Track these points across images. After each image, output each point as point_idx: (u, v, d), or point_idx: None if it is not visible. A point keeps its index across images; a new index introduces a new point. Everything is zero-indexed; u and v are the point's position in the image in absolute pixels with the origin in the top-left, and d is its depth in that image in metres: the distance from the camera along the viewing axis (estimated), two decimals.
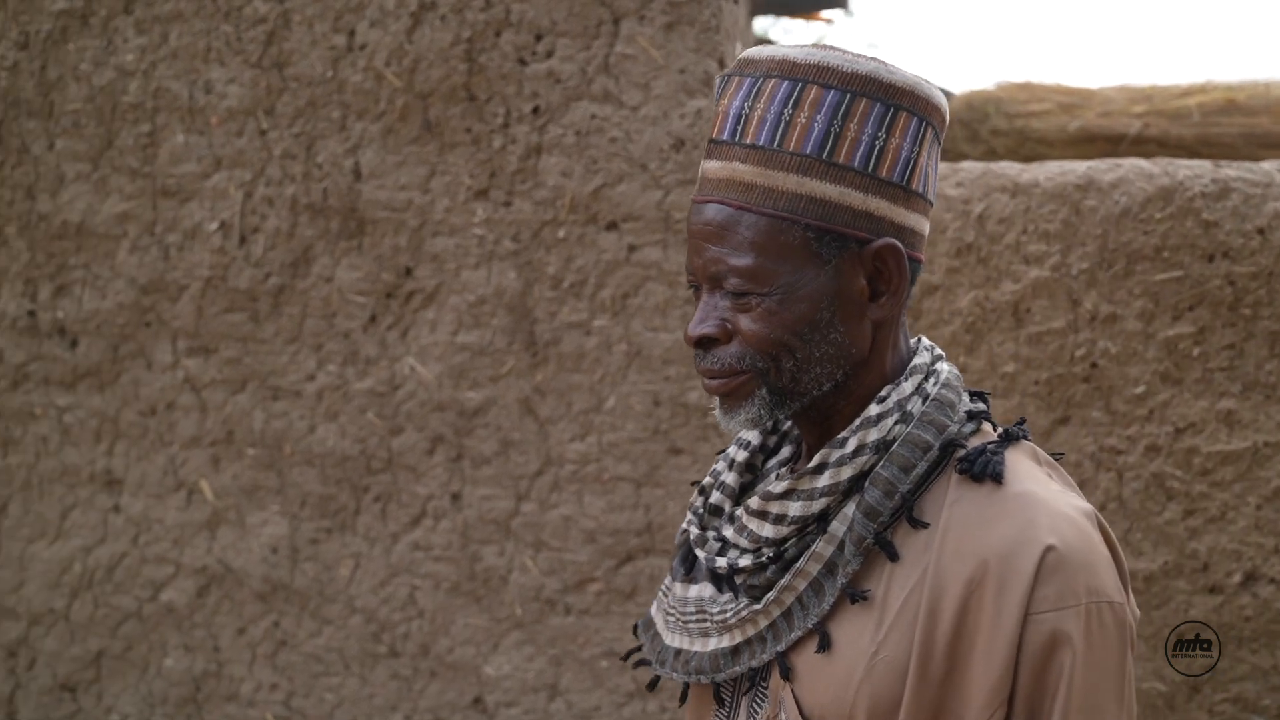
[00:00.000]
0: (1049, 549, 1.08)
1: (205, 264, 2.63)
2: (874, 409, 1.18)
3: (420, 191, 2.51)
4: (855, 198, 1.15)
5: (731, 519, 1.25)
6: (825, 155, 1.14)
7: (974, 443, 1.18)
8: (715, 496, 1.29)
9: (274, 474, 2.67)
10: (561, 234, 2.45)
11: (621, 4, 2.41)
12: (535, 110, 2.44)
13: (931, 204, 1.25)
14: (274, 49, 2.54)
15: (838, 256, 1.15)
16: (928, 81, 1.21)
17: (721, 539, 1.24)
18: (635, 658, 1.33)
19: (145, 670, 2.83)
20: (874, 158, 1.15)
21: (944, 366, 1.24)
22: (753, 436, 1.34)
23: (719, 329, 1.17)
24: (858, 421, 1.18)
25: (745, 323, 1.16)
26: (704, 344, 1.19)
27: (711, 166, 1.20)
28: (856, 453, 1.16)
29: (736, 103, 1.17)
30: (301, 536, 2.67)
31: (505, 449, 2.54)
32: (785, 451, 1.32)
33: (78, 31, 2.67)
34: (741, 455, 1.31)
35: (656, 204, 2.41)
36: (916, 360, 1.23)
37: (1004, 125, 3.75)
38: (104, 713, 2.89)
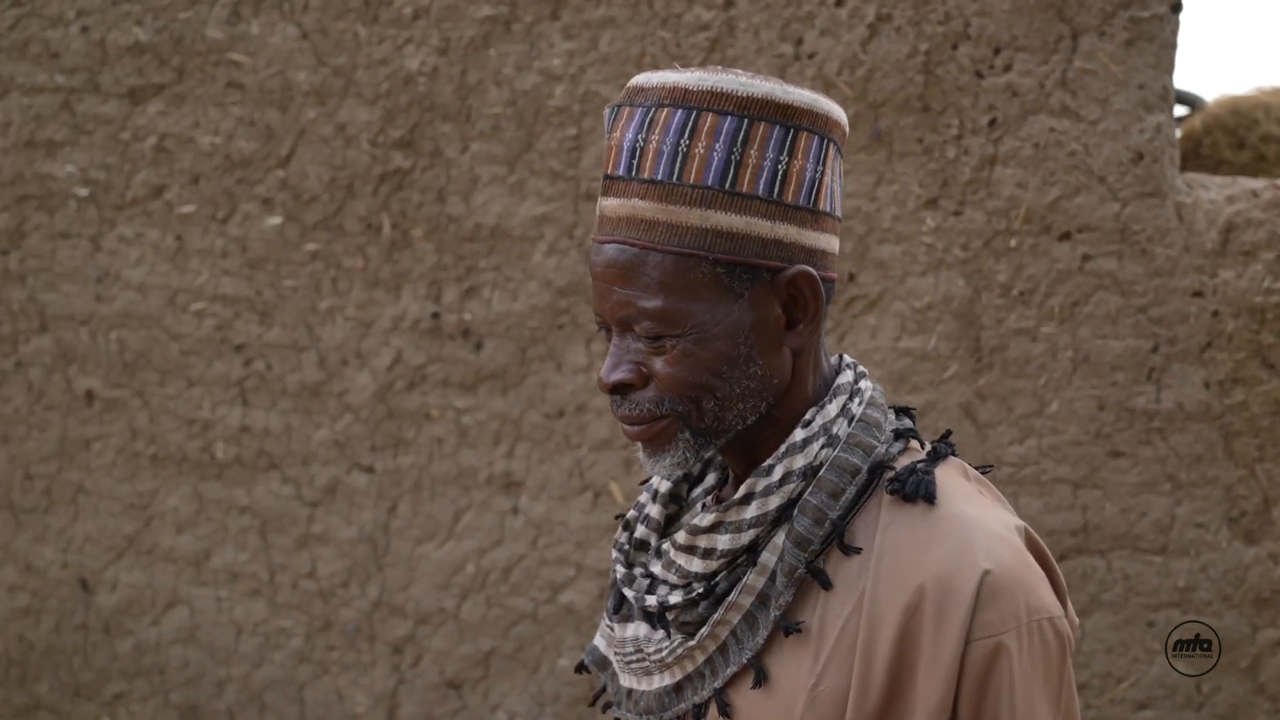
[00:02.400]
0: (986, 573, 1.05)
1: None
2: (799, 434, 1.14)
3: (867, 199, 2.54)
4: (763, 226, 1.10)
5: (659, 554, 1.20)
6: (728, 185, 1.09)
7: (903, 462, 1.13)
8: (640, 531, 1.25)
9: None
10: (1013, 243, 2.50)
11: (1082, 20, 2.45)
12: (992, 123, 2.48)
13: (839, 220, 1.20)
14: (716, 56, 2.56)
15: (750, 288, 1.11)
16: (824, 98, 1.17)
17: (650, 575, 1.20)
18: (602, 699, 1.30)
19: (536, 670, 2.85)
20: (778, 183, 1.10)
21: (867, 385, 1.19)
22: None
23: (633, 374, 1.13)
24: (783, 448, 1.13)
25: (660, 366, 1.11)
26: (619, 390, 1.14)
27: (610, 204, 1.14)
28: (783, 481, 1.12)
29: (630, 135, 1.11)
30: None
31: None
32: (710, 478, 1.27)
33: (500, 37, 2.67)
34: (665, 485, 1.26)
35: (1114, 216, 2.46)
36: (839, 380, 1.18)
37: (1276, 131, 3.83)
38: (489, 710, 2.91)
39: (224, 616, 3.16)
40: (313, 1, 2.80)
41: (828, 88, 2.52)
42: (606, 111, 1.17)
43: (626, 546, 1.24)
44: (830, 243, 1.16)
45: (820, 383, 1.18)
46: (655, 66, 2.58)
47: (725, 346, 1.10)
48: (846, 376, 1.18)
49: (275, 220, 2.91)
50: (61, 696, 3.42)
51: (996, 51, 2.47)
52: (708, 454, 1.15)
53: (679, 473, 1.21)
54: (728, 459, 1.20)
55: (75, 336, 3.22)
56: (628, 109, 1.13)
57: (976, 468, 1.21)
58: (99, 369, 3.21)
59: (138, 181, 3.07)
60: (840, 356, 1.23)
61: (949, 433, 1.20)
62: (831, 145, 1.14)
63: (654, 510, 1.24)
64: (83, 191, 3.13)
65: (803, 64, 2.53)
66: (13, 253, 3.25)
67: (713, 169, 1.09)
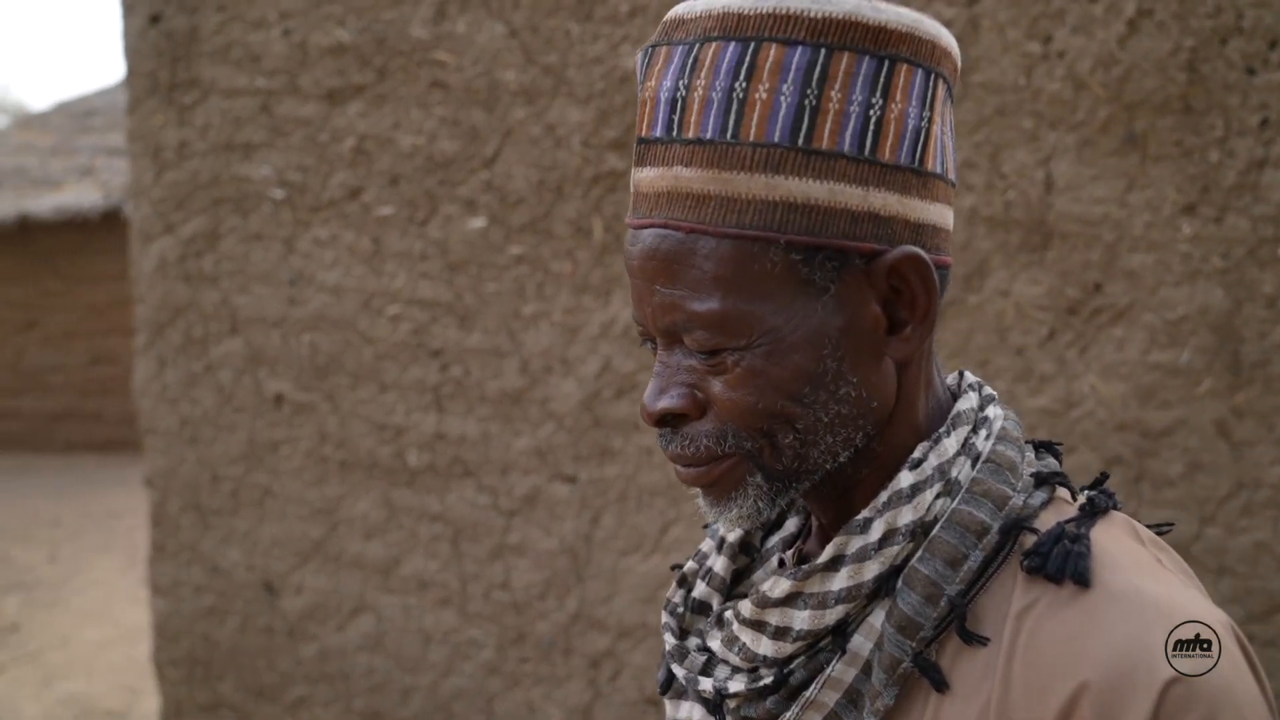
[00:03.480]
0: (1172, 683, 0.73)
1: None
2: (905, 478, 0.85)
3: (1117, 205, 2.39)
4: (852, 195, 0.81)
5: (720, 622, 0.93)
6: (801, 141, 0.80)
7: (1047, 520, 0.85)
8: (700, 589, 0.98)
9: None
10: None
11: None
12: (1263, 123, 2.32)
13: (954, 185, 0.90)
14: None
15: (837, 280, 0.82)
16: (928, 18, 0.86)
17: (706, 650, 0.93)
18: None
19: None
20: (871, 134, 0.81)
21: (997, 411, 0.91)
22: None
23: (686, 400, 0.85)
24: (884, 497, 0.85)
25: (720, 389, 0.84)
26: (668, 421, 0.87)
27: (646, 177, 0.85)
28: (885, 541, 0.84)
29: (669, 83, 0.83)
30: None
31: (1192, 471, 2.43)
32: (791, 524, 1.00)
33: None
34: (735, 534, 0.99)
35: None
36: (960, 406, 0.90)
37: None
38: None
39: (412, 625, 3.10)
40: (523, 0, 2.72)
41: (1077, 88, 2.38)
42: (638, 56, 0.88)
43: (681, 609, 0.98)
44: (943, 215, 0.88)
45: (934, 408, 0.91)
46: None
47: (806, 360, 0.83)
48: (969, 400, 0.91)
49: (478, 223, 2.84)
50: (244, 696, 3.40)
51: (1272, 45, 2.31)
52: (786, 501, 0.88)
53: (749, 526, 0.92)
54: (813, 506, 0.93)
55: (266, 339, 3.19)
56: (665, 49, 0.85)
57: (1151, 527, 0.90)
58: (290, 372, 3.17)
59: (335, 183, 3.02)
60: (960, 374, 0.96)
61: (1105, 476, 0.92)
62: (941, 83, 0.85)
63: (719, 564, 0.98)
64: (279, 194, 3.09)
65: (1051, 63, 2.39)
66: (207, 255, 3.23)
67: (780, 119, 0.80)
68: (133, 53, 3.25)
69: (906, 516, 0.84)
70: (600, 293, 2.74)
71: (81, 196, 8.71)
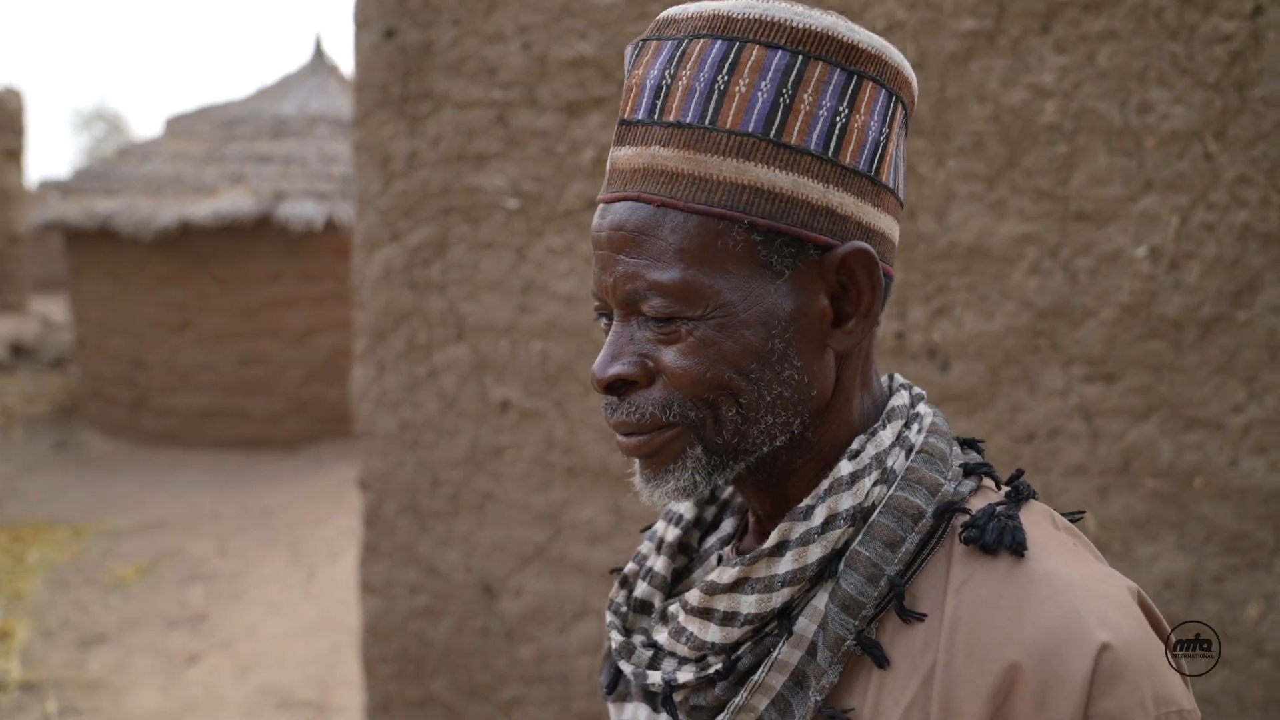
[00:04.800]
0: (1104, 648, 0.78)
1: (1124, 289, 2.52)
2: (845, 467, 0.89)
3: None
4: (813, 189, 0.86)
5: (664, 618, 0.97)
6: (774, 134, 0.86)
7: (977, 504, 0.90)
8: (641, 589, 1.01)
9: (1175, 507, 2.55)
10: None
11: None
12: None
13: (902, 204, 0.95)
14: (1236, 69, 2.40)
15: (792, 267, 0.87)
16: (893, 47, 0.93)
17: (653, 645, 0.96)
18: None
19: None
20: (835, 138, 0.87)
21: (926, 409, 0.97)
22: (685, 508, 1.03)
23: (636, 368, 0.88)
24: (825, 484, 0.89)
25: (672, 358, 0.87)
26: (616, 389, 0.90)
27: (623, 155, 0.90)
28: (827, 525, 0.87)
29: (655, 71, 0.89)
30: (1204, 572, 2.54)
31: None
32: (727, 525, 1.04)
33: (984, 51, 2.57)
34: (672, 533, 1.02)
35: None
36: (894, 402, 0.95)
37: None
38: None
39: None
40: None
41: None
42: (629, 49, 0.94)
43: (624, 608, 1.01)
44: (891, 227, 0.93)
45: (869, 404, 0.96)
46: (1163, 83, 2.44)
47: (756, 337, 0.86)
48: (901, 398, 0.96)
49: None
50: (456, 695, 3.46)
51: None
52: (722, 480, 0.90)
53: (684, 501, 0.96)
54: (749, 496, 0.96)
55: (494, 346, 3.25)
56: (655, 43, 0.91)
57: (1065, 514, 0.96)
58: (517, 379, 3.23)
59: (571, 194, 3.07)
60: (892, 376, 1.01)
61: (1021, 472, 0.96)
62: (900, 107, 0.92)
63: (659, 564, 1.01)
64: (513, 203, 3.15)
65: None
66: (435, 263, 3.30)
67: (756, 112, 0.86)
68: (365, 66, 3.33)
69: (847, 502, 0.88)
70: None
71: (236, 202, 8.96)
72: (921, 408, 0.97)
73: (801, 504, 0.89)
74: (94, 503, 8.03)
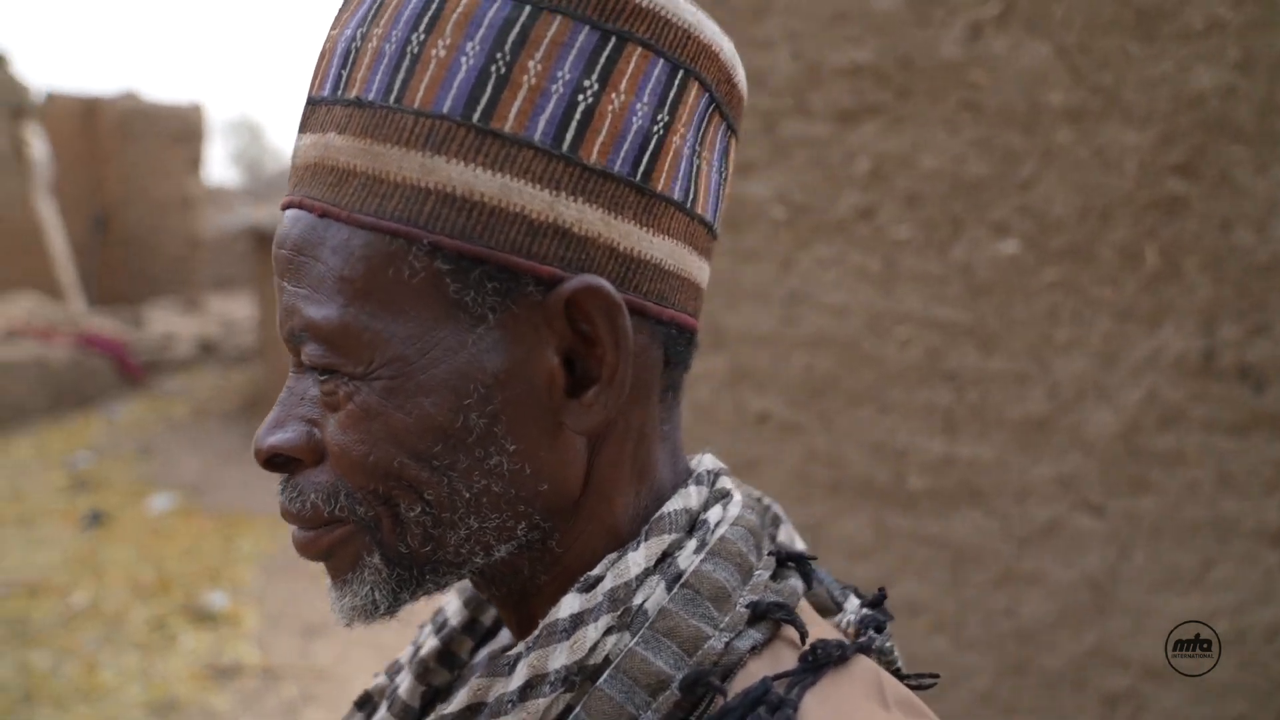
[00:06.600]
0: None
1: None
2: (568, 604, 0.62)
3: None
4: (533, 197, 0.60)
5: None
6: (478, 117, 0.60)
7: (755, 670, 0.62)
8: (380, 715, 0.77)
9: None
10: None
11: None
12: None
13: (711, 230, 0.68)
14: None
15: (501, 309, 0.62)
16: (707, 16, 0.66)
17: None
18: None
19: None
20: (575, 125, 0.61)
21: (721, 513, 0.68)
22: (453, 610, 0.80)
23: (299, 440, 0.65)
24: (536, 633, 0.62)
25: (332, 431, 0.64)
26: (279, 464, 0.66)
27: (300, 145, 0.67)
28: (527, 691, 0.61)
29: (349, 31, 0.65)
30: None
31: None
32: (505, 637, 0.80)
33: None
34: (431, 644, 0.78)
35: None
36: (669, 506, 0.67)
37: None
38: None
39: (901, 647, 3.06)
40: (1074, 19, 2.64)
41: None
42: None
43: None
44: (681, 258, 0.66)
45: (648, 502, 0.70)
46: None
47: (438, 409, 0.62)
48: (686, 498, 0.69)
49: (1010, 247, 2.78)
50: None
51: None
52: (416, 597, 0.68)
53: (366, 622, 0.70)
54: (501, 612, 0.73)
55: (753, 357, 3.22)
56: None
57: (909, 678, 0.70)
58: (778, 391, 3.19)
59: (843, 204, 3.02)
60: (700, 458, 0.74)
61: (882, 595, 0.68)
62: (698, 89, 0.66)
63: (404, 684, 0.77)
64: (779, 213, 3.11)
65: None
66: None
67: (455, 86, 0.61)
68: None
69: (559, 659, 0.62)
70: (1148, 321, 2.63)
71: None
72: (714, 512, 0.69)
73: (511, 651, 0.65)
74: None
